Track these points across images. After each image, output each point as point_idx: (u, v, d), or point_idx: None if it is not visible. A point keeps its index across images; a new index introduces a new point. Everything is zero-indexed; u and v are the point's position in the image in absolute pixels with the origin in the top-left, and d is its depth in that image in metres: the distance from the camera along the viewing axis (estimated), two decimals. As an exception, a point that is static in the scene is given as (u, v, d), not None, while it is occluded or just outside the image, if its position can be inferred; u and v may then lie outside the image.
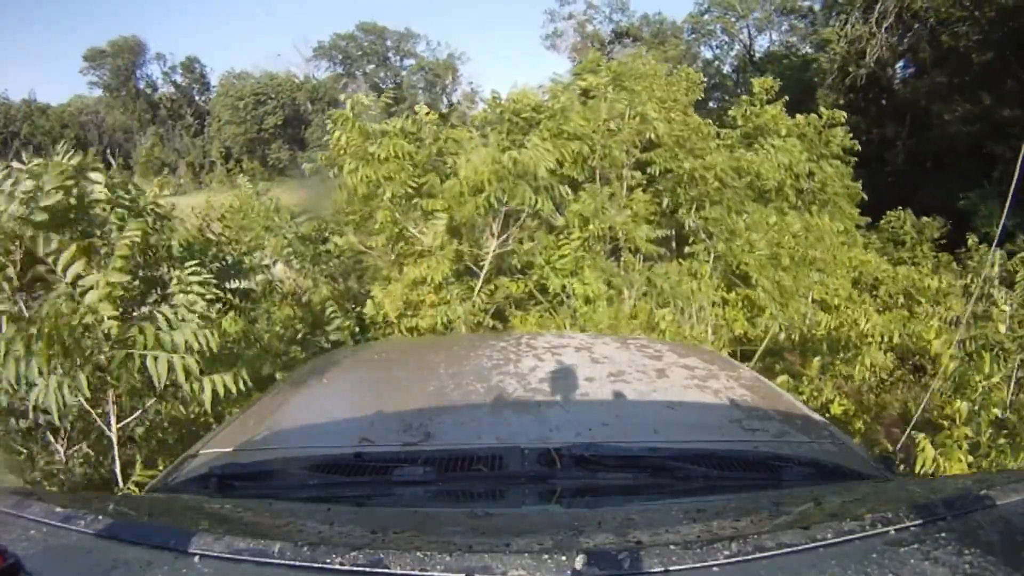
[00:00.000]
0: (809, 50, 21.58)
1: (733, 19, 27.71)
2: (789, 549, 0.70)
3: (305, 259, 5.74)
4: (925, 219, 9.69)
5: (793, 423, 1.47)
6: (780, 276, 5.47)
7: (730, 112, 7.85)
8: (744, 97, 7.86)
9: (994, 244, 4.76)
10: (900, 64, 16.51)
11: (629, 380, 1.60)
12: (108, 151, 40.77)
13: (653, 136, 5.79)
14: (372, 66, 44.20)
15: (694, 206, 5.81)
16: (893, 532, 0.73)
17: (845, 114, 7.32)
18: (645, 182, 5.95)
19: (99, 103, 41.64)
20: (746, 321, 5.59)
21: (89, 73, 41.70)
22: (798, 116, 7.28)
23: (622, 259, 5.61)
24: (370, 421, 1.38)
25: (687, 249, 5.87)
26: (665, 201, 5.94)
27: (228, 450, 1.33)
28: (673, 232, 6.08)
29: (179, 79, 43.89)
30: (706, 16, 28.50)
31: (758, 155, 6.25)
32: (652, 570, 0.66)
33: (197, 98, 44.37)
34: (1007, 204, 3.15)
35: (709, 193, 5.72)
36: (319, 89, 42.47)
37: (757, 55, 26.77)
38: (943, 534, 0.73)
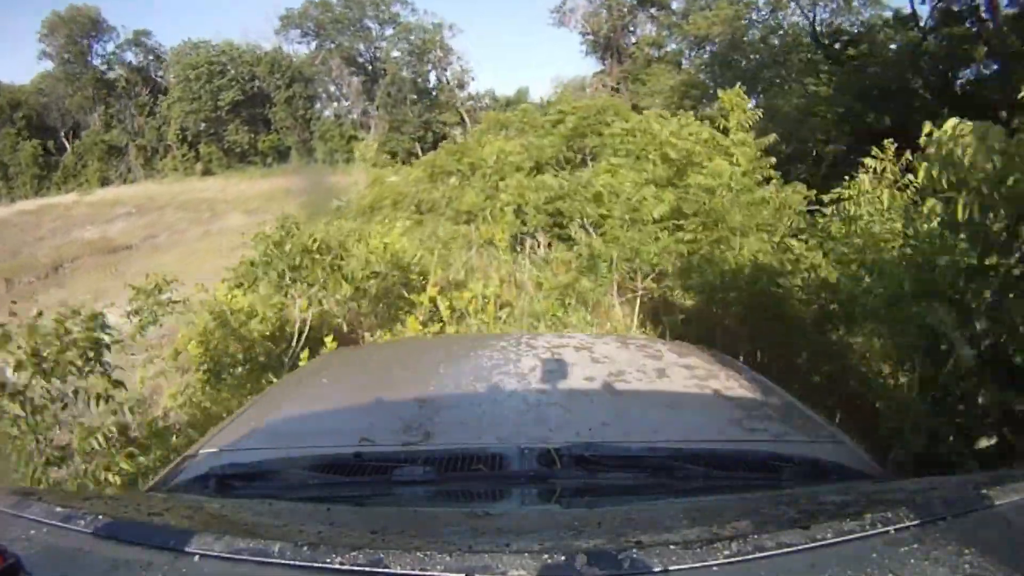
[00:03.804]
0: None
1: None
2: (789, 549, 0.70)
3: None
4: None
5: (793, 423, 1.47)
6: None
7: None
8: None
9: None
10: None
11: (629, 380, 1.60)
12: (67, 135, 37.38)
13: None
14: (348, 35, 38.90)
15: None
16: (893, 532, 0.73)
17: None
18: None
19: (46, 79, 37.65)
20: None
21: (44, 42, 37.52)
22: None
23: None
24: (370, 421, 1.38)
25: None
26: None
27: (228, 450, 1.33)
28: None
29: (131, 56, 39.15)
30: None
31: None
32: (652, 570, 0.66)
33: (155, 75, 39.51)
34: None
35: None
36: (281, 61, 37.28)
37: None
38: (943, 534, 0.73)
